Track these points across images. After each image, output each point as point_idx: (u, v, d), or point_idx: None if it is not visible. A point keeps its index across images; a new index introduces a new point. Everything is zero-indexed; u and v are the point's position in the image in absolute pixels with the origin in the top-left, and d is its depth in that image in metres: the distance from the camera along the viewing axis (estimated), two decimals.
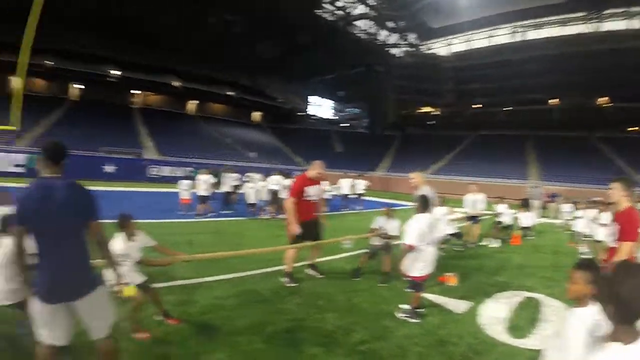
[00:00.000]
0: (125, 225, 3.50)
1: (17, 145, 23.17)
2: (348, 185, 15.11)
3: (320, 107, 56.68)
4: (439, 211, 7.08)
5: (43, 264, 2.20)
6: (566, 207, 13.53)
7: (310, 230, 5.38)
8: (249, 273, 5.47)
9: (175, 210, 11.31)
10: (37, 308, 2.18)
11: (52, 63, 33.31)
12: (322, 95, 56.02)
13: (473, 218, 8.92)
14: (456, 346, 3.54)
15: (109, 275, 2.58)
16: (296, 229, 5.11)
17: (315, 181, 5.51)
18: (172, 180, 23.05)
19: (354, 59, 44.45)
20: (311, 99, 55.06)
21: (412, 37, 46.40)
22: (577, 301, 1.93)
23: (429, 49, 46.46)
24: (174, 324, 3.60)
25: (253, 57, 42.18)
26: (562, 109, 37.92)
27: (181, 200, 11.37)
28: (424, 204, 4.38)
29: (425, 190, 4.97)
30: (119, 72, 36.58)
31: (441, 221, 6.71)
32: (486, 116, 42.06)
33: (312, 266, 5.69)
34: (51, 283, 2.18)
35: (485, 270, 6.63)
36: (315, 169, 5.49)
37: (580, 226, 9.72)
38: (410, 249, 4.14)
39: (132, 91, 38.98)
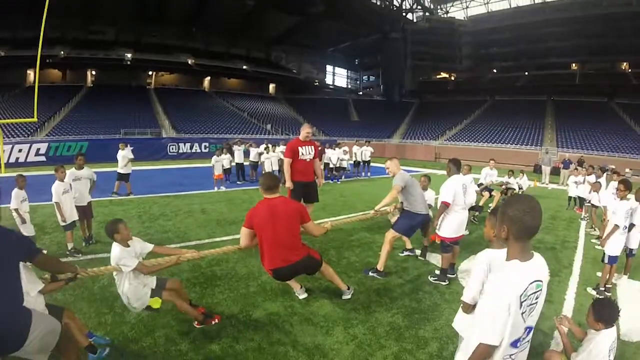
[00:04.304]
0: (116, 231, 3.29)
1: (38, 136, 23.56)
2: (359, 152, 16.69)
3: (337, 77, 56.48)
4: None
5: None
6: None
7: (308, 191, 6.07)
8: None
9: (188, 184, 12.90)
10: None
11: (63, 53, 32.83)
12: (338, 64, 55.58)
13: (487, 189, 9.79)
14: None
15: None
16: (290, 184, 5.89)
17: (306, 142, 6.01)
18: (190, 157, 24.50)
19: (369, 26, 43.62)
20: (327, 68, 54.78)
21: (427, 1, 45.34)
22: (489, 242, 2.43)
23: (446, 13, 45.49)
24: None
25: (266, 30, 42.11)
26: (582, 74, 37.01)
27: (214, 175, 12.22)
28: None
29: (402, 177, 5.07)
30: (130, 55, 36.15)
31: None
32: (504, 81, 41.23)
33: None
34: None
35: None
36: (304, 129, 6.09)
37: (577, 191, 10.48)
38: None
39: (148, 72, 39.31)
